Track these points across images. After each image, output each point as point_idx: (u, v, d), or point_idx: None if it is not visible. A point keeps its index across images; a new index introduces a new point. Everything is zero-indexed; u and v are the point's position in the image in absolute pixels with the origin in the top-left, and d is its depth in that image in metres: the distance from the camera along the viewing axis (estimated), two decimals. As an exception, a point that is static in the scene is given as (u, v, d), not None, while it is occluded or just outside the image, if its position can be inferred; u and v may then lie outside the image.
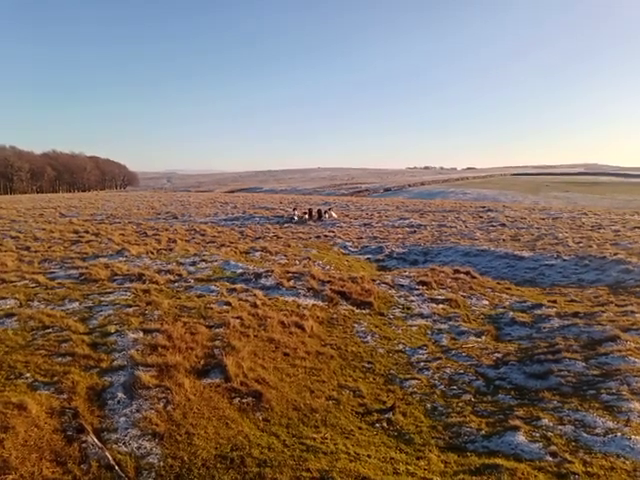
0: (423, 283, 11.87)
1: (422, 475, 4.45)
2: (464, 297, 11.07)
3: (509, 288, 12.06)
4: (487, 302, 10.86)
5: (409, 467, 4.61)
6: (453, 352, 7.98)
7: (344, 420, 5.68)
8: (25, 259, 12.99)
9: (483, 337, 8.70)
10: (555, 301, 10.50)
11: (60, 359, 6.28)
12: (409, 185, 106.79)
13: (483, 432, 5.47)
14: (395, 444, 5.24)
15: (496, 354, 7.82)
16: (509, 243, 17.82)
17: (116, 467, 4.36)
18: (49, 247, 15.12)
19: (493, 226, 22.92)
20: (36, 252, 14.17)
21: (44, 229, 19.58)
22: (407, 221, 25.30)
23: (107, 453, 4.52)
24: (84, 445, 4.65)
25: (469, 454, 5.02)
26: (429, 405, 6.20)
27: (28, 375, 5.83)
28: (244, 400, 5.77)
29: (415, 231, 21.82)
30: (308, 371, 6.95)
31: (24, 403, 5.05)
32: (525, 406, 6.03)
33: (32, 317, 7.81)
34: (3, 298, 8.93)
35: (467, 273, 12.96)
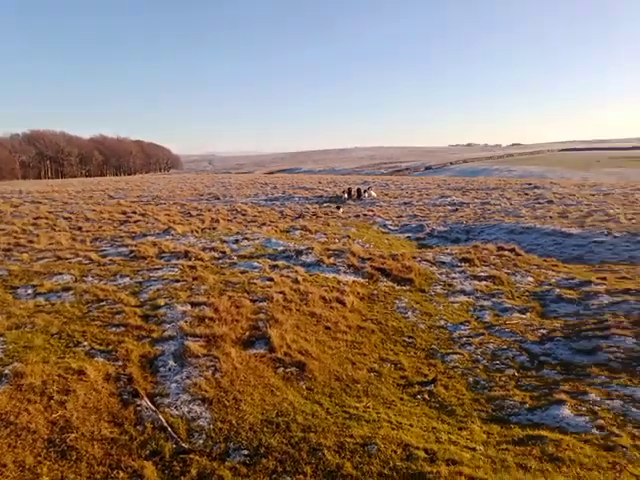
0: (465, 260, 11.69)
1: (464, 444, 4.48)
2: (508, 274, 10.83)
3: (556, 265, 11.68)
4: (532, 279, 10.58)
5: (451, 436, 4.65)
6: (496, 328, 7.87)
7: (386, 391, 5.77)
8: (78, 238, 13.68)
9: (528, 314, 8.52)
10: (604, 278, 10.08)
11: (114, 329, 6.65)
12: (451, 163, 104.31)
13: (527, 405, 5.43)
14: (437, 415, 5.28)
15: (541, 330, 7.66)
16: (556, 220, 17.18)
17: (169, 429, 4.62)
18: (99, 227, 15.85)
19: (540, 203, 22.11)
20: (88, 231, 14.89)
21: (94, 210, 20.47)
22: (449, 199, 24.82)
23: (160, 416, 4.79)
24: (139, 408, 4.94)
25: (512, 426, 5.00)
26: (471, 379, 6.19)
27: (85, 343, 6.21)
28: (288, 370, 5.94)
29: (457, 209, 21.40)
30: (349, 344, 7.06)
31: (83, 369, 5.40)
32: (571, 381, 5.92)
33: (87, 291, 8.27)
34: (60, 274, 9.49)
35: (512, 250, 12.64)
